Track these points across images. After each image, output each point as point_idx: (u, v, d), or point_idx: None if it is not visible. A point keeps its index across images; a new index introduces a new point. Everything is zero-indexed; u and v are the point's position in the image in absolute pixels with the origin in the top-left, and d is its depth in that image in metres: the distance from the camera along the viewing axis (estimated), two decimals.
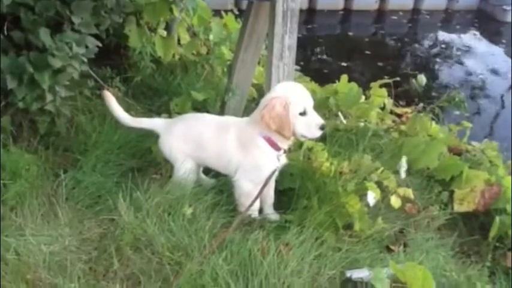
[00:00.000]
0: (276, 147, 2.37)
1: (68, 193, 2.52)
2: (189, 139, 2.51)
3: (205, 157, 2.52)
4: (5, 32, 2.37)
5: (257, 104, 3.37)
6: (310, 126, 2.34)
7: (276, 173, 2.45)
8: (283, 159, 2.42)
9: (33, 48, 2.38)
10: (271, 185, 2.51)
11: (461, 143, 3.30)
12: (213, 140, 2.45)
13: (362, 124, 3.22)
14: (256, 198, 2.41)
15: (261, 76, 3.69)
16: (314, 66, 6.99)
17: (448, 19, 10.09)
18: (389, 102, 3.55)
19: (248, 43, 3.02)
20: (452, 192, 2.82)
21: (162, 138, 2.57)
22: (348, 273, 2.21)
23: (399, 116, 3.53)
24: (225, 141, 2.41)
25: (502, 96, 6.90)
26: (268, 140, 2.36)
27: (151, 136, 2.72)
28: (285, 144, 2.40)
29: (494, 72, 7.59)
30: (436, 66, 7.93)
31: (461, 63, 8.06)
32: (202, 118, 2.60)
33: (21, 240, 2.19)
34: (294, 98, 2.30)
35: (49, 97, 2.48)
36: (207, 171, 2.71)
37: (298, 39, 2.79)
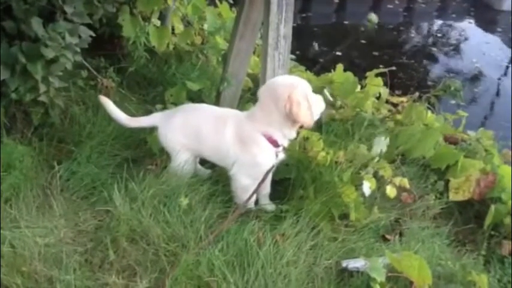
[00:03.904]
0: (276, 144, 2.36)
1: (62, 184, 2.51)
2: (187, 130, 2.49)
3: (202, 149, 2.51)
4: None
5: (252, 94, 3.38)
6: (319, 107, 2.42)
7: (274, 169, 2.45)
8: (282, 155, 2.42)
9: (25, 38, 2.35)
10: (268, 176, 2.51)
11: (457, 132, 3.30)
12: (211, 132, 2.44)
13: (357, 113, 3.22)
14: (253, 193, 2.41)
15: (256, 66, 3.67)
16: (309, 56, 6.96)
17: (444, 7, 10.05)
18: (385, 91, 3.53)
19: (243, 32, 3.00)
20: (447, 181, 2.82)
21: (160, 128, 2.55)
22: (344, 263, 2.23)
23: (395, 105, 3.52)
24: (223, 135, 2.39)
25: (498, 85, 6.90)
26: (268, 138, 2.35)
27: (147, 127, 2.70)
28: (285, 141, 2.39)
29: (490, 60, 7.59)
30: (432, 55, 7.92)
31: (457, 51, 8.05)
32: (201, 109, 2.58)
33: (16, 232, 2.18)
34: (308, 88, 2.33)
35: (42, 88, 2.46)
36: (203, 161, 2.70)
37: (293, 28, 2.77)
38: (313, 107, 2.34)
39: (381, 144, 2.60)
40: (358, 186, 2.49)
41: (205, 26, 3.86)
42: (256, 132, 2.34)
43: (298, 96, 2.26)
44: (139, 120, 2.64)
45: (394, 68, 3.52)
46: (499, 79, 7.02)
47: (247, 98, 3.36)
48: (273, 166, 2.41)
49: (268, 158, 2.37)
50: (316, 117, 2.41)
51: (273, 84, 2.37)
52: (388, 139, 2.53)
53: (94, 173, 2.57)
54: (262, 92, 2.39)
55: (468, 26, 9.31)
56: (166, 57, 3.66)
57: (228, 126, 2.39)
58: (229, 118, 2.43)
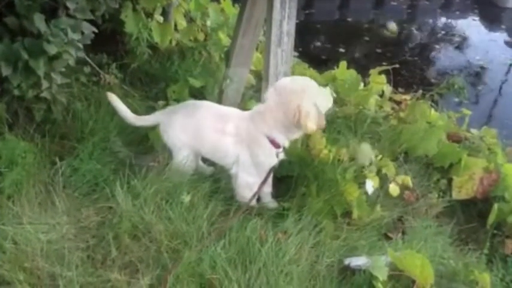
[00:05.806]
0: (277, 146, 2.36)
1: (65, 181, 2.50)
2: (188, 127, 2.48)
3: (201, 147, 2.50)
4: None
5: (255, 92, 3.37)
6: (327, 105, 2.38)
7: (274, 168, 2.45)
8: (282, 156, 2.41)
9: (27, 34, 2.34)
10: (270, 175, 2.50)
11: (460, 130, 3.29)
12: (211, 130, 2.43)
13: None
14: (255, 194, 2.41)
15: (259, 62, 3.66)
16: (312, 52, 6.94)
17: (448, 5, 9.99)
18: (388, 89, 3.53)
19: (246, 29, 2.99)
20: (450, 180, 2.82)
21: (162, 125, 2.55)
22: (346, 261, 2.22)
23: (398, 103, 3.51)
24: (223, 134, 2.39)
25: (502, 83, 6.88)
26: (271, 140, 2.34)
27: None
28: (286, 143, 2.39)
29: (494, 58, 7.55)
30: (435, 53, 7.89)
31: (460, 49, 8.02)
32: (202, 107, 2.56)
33: (18, 228, 2.18)
34: (316, 92, 2.30)
35: (45, 84, 2.45)
36: (206, 158, 2.69)
37: (296, 24, 2.76)
38: (321, 109, 2.31)
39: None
40: (360, 184, 2.48)
41: (208, 23, 3.84)
42: (260, 134, 2.34)
43: (307, 106, 2.23)
44: (145, 119, 2.63)
45: (397, 65, 3.51)
46: (503, 79, 6.98)
47: (250, 95, 3.35)
48: (273, 166, 2.41)
49: (270, 158, 2.37)
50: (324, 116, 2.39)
51: (282, 90, 2.31)
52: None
53: (96, 170, 2.57)
54: (270, 95, 2.34)
55: (472, 23, 9.27)
56: (168, 53, 3.65)
57: (229, 126, 2.39)
58: (231, 118, 2.42)
